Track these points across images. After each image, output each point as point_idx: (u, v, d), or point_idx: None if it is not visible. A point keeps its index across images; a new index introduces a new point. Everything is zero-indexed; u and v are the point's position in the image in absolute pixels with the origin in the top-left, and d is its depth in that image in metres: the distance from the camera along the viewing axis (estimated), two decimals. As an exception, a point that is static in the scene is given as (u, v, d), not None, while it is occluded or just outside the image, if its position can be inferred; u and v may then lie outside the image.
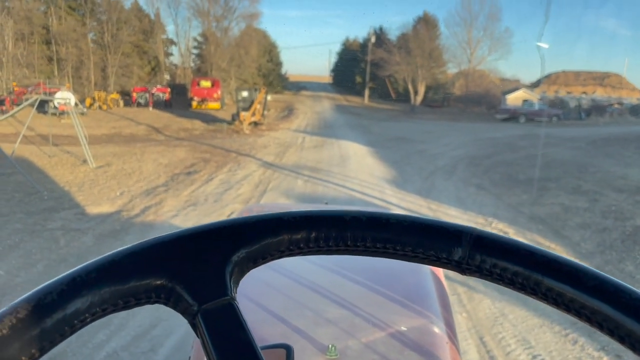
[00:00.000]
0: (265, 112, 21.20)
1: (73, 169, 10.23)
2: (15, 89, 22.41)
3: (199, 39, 33.80)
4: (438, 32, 38.71)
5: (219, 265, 0.33)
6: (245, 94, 20.71)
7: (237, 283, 0.34)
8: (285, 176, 10.29)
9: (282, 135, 17.77)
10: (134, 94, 26.77)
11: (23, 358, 0.27)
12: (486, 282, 0.35)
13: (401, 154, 13.97)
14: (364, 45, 44.54)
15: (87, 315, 0.30)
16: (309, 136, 17.53)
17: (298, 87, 50.19)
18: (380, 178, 10.41)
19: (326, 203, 2.98)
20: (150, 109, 25.40)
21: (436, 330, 1.26)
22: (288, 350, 0.77)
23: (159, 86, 28.44)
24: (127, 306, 0.32)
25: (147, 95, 26.54)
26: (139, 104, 26.29)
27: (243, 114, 18.71)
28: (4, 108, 19.25)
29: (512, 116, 27.61)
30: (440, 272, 1.64)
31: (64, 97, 15.03)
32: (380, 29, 42.22)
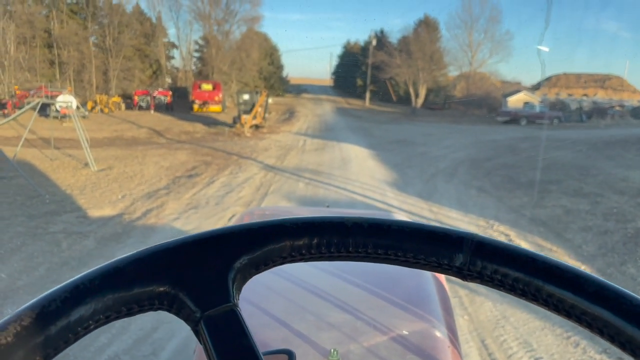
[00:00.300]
0: (267, 115, 21.24)
1: (75, 172, 10.25)
2: (17, 92, 22.48)
3: (200, 42, 33.93)
4: (439, 34, 38.77)
5: (222, 271, 0.33)
6: (246, 97, 20.75)
7: (239, 290, 0.34)
8: (286, 179, 10.30)
9: (284, 138, 17.78)
10: (136, 97, 26.84)
11: None
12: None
13: (402, 156, 13.97)
14: (365, 48, 44.60)
15: (90, 322, 0.30)
16: (310, 139, 17.54)
17: (299, 90, 50.26)
18: (381, 181, 10.41)
19: (327, 206, 2.98)
20: (152, 112, 25.45)
21: (438, 334, 1.26)
22: (290, 355, 0.78)
23: (160, 89, 28.51)
24: (130, 313, 0.32)
25: (149, 98, 26.61)
26: (140, 107, 26.35)
27: (244, 116, 18.74)
28: (6, 111, 19.32)
29: (513, 119, 27.60)
30: (441, 275, 1.64)
31: (66, 100, 15.05)
32: (381, 32, 42.30)
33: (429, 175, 11.23)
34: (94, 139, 14.24)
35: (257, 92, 21.53)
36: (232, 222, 7.06)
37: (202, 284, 0.32)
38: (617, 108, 31.42)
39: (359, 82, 45.23)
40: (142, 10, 32.31)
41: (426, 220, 7.37)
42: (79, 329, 0.30)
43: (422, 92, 36.40)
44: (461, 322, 4.20)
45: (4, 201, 7.69)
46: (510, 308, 4.46)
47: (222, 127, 20.18)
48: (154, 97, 26.73)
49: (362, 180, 10.30)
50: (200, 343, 0.31)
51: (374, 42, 39.73)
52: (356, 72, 46.20)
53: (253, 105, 19.64)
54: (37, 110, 11.04)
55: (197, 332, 0.32)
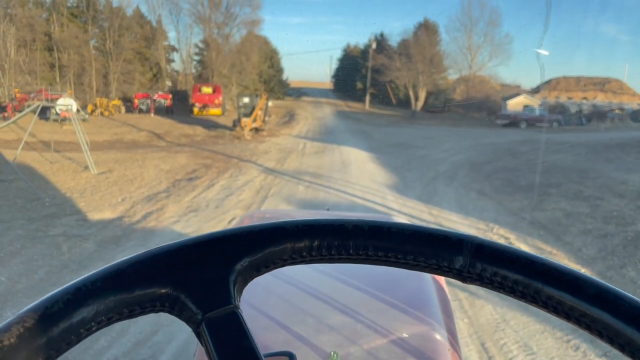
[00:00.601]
0: (267, 118, 21.26)
1: (75, 175, 10.25)
2: (17, 95, 22.51)
3: (201, 45, 34.00)
4: (438, 38, 38.86)
5: (223, 274, 0.33)
6: (246, 100, 20.77)
7: (240, 292, 0.34)
8: (286, 182, 10.30)
9: (283, 141, 17.79)
10: (136, 101, 26.87)
11: None
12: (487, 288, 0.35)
13: (402, 159, 13.97)
14: (364, 52, 44.70)
15: (93, 324, 0.30)
16: (310, 142, 17.55)
17: (299, 93, 50.33)
18: (381, 184, 10.41)
19: (327, 209, 2.98)
20: (152, 115, 25.47)
21: (438, 336, 1.26)
22: (291, 357, 0.78)
23: (160, 92, 28.54)
24: (132, 315, 0.32)
25: (149, 101, 26.64)
26: (140, 111, 26.38)
27: (244, 120, 18.76)
28: (6, 114, 19.33)
29: (513, 122, 27.63)
30: (441, 278, 1.64)
31: (66, 103, 15.09)
32: (381, 35, 42.39)
33: (428, 178, 11.23)
34: (94, 142, 14.25)
35: (257, 95, 21.56)
36: (232, 225, 7.06)
37: (204, 286, 0.33)
38: (617, 111, 31.46)
39: (359, 85, 45.31)
40: (143, 13, 32.42)
41: (426, 223, 7.37)
42: (81, 330, 0.30)
43: (422, 95, 36.45)
44: (461, 325, 4.20)
45: (4, 204, 7.69)
46: (510, 311, 4.46)
47: (222, 130, 20.20)
48: (154, 100, 26.76)
49: (362, 184, 10.30)
50: (202, 345, 0.31)
51: (374, 45, 39.81)
52: (356, 75, 46.30)
53: (253, 109, 19.66)
54: (37, 113, 11.06)
55: (198, 334, 0.32)
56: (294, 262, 0.36)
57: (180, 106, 28.36)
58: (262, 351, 0.31)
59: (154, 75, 32.71)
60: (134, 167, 11.42)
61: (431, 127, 26.12)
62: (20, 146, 10.04)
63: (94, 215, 7.40)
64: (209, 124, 22.12)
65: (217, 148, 15.36)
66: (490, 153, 15.50)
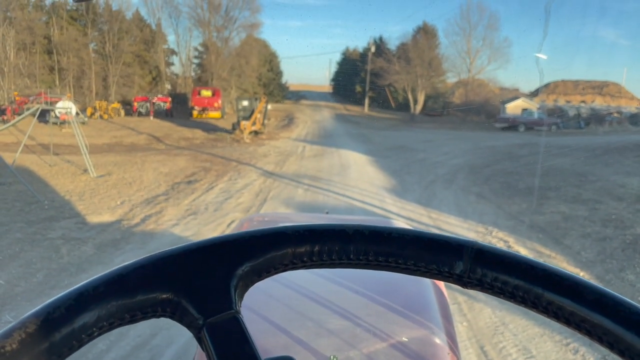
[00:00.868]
0: (266, 121, 21.28)
1: (74, 178, 10.24)
2: (17, 98, 22.51)
3: (200, 48, 34.04)
4: (437, 41, 38.97)
5: (224, 279, 0.33)
6: (245, 103, 20.80)
7: (241, 297, 0.34)
8: (285, 185, 10.30)
9: (283, 144, 17.80)
10: (135, 104, 26.88)
11: None
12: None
13: (401, 162, 13.98)
14: (363, 55, 44.80)
15: (94, 329, 0.30)
16: (309, 145, 17.56)
17: (298, 96, 50.39)
18: (380, 187, 10.41)
19: (327, 212, 2.98)
20: (151, 118, 25.48)
21: (437, 340, 1.26)
22: None
23: (160, 95, 28.57)
24: (133, 320, 0.32)
25: (148, 104, 26.66)
26: (140, 114, 26.39)
27: (243, 123, 18.77)
28: (5, 117, 19.33)
29: (512, 125, 27.68)
30: (441, 282, 1.64)
31: (65, 106, 15.10)
32: (380, 38, 42.50)
33: (427, 181, 11.24)
34: (93, 145, 14.25)
35: (256, 99, 21.60)
36: (231, 229, 7.03)
37: (205, 291, 0.33)
38: (615, 115, 31.54)
39: (358, 88, 45.39)
40: (142, 16, 32.47)
41: (425, 226, 7.38)
42: (83, 336, 0.30)
43: (421, 99, 36.53)
44: (460, 329, 4.19)
45: (2, 207, 7.68)
46: (509, 315, 4.46)
47: (221, 133, 20.21)
48: (154, 104, 26.78)
49: (361, 187, 10.31)
50: (203, 350, 0.31)
51: (373, 49, 39.90)
52: (355, 78, 46.38)
53: (252, 112, 19.68)
54: (36, 116, 11.06)
55: (199, 339, 0.32)
56: (295, 267, 0.36)
57: (179, 109, 28.37)
58: (263, 356, 0.31)
59: (154, 79, 32.74)
60: (133, 170, 11.41)
61: (430, 131, 26.16)
62: (20, 149, 10.04)
63: (93, 218, 7.39)
64: (208, 127, 22.13)
65: (216, 151, 15.36)
66: (489, 156, 15.52)
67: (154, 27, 32.47)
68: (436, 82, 38.47)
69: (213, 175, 11.14)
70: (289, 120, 27.56)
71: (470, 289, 0.35)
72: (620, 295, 0.31)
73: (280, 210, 8.22)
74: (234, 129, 19.47)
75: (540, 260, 0.35)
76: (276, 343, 1.17)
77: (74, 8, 29.37)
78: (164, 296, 0.32)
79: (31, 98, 21.31)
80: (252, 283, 0.35)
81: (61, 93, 23.46)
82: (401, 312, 1.36)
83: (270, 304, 1.32)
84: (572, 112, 31.54)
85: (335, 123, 28.38)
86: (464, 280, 0.35)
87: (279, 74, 43.80)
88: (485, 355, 3.85)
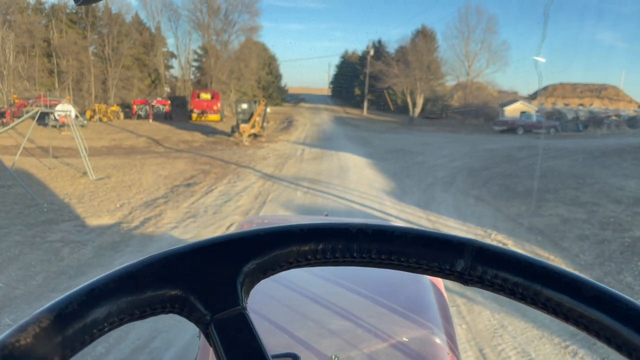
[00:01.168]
0: (265, 124, 21.30)
1: (73, 181, 10.24)
2: (16, 101, 22.52)
3: (199, 51, 34.09)
4: (436, 45, 39.09)
5: (231, 276, 0.34)
6: (244, 106, 20.83)
7: (247, 293, 0.35)
8: (284, 188, 10.31)
9: (282, 147, 17.82)
10: (134, 107, 26.90)
11: None
12: (485, 293, 0.37)
13: (400, 165, 14.01)
14: (362, 58, 44.90)
15: (105, 324, 0.31)
16: (308, 148, 17.58)
17: (297, 99, 50.47)
18: (379, 190, 10.42)
19: (326, 214, 2.99)
20: (151, 121, 25.49)
21: (437, 340, 1.27)
22: (296, 359, 0.79)
23: (159, 98, 28.59)
24: (143, 316, 0.33)
25: (147, 107, 26.67)
26: (139, 116, 26.40)
27: (243, 125, 18.80)
28: (4, 120, 19.32)
29: (510, 128, 27.75)
30: (440, 283, 1.66)
31: (65, 109, 15.09)
32: (379, 42, 42.63)
33: (426, 184, 11.26)
34: (93, 148, 14.25)
35: (255, 102, 21.62)
36: (231, 231, 7.06)
37: (212, 288, 0.33)
38: (613, 118, 31.63)
39: (357, 91, 45.48)
40: (141, 20, 32.53)
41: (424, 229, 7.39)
42: (94, 330, 0.31)
43: (420, 102, 36.60)
44: (459, 331, 4.20)
45: (2, 210, 7.68)
46: (508, 317, 4.46)
47: (220, 136, 20.23)
48: (153, 106, 26.80)
49: (360, 190, 10.32)
50: (210, 345, 0.32)
51: (372, 52, 40.02)
52: (354, 81, 46.47)
53: (251, 115, 19.72)
54: (35, 119, 11.06)
55: (207, 335, 0.33)
56: (299, 265, 0.37)
57: (178, 112, 28.38)
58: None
59: (153, 82, 32.77)
60: (133, 172, 11.41)
61: (429, 134, 26.20)
62: (19, 152, 10.04)
63: (92, 221, 7.39)
64: (208, 130, 22.15)
65: (215, 154, 15.37)
66: (488, 159, 15.55)
67: (153, 30, 32.54)
68: (435, 85, 38.56)
69: (212, 178, 11.15)
70: (288, 123, 27.59)
71: (471, 286, 0.36)
72: (617, 292, 0.32)
73: (280, 213, 8.23)
74: (233, 131, 19.49)
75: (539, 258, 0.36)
76: (279, 343, 1.18)
77: (74, 11, 29.43)
78: (173, 293, 0.33)
79: (30, 101, 21.32)
80: (258, 280, 0.36)
81: (60, 96, 23.48)
82: (401, 312, 1.38)
83: (272, 304, 1.34)
84: (570, 115, 31.63)
85: (334, 126, 28.42)
86: (465, 278, 0.36)
87: (278, 77, 43.87)
88: (484, 358, 3.85)
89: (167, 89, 33.13)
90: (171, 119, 26.58)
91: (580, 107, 36.81)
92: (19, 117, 15.61)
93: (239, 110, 20.67)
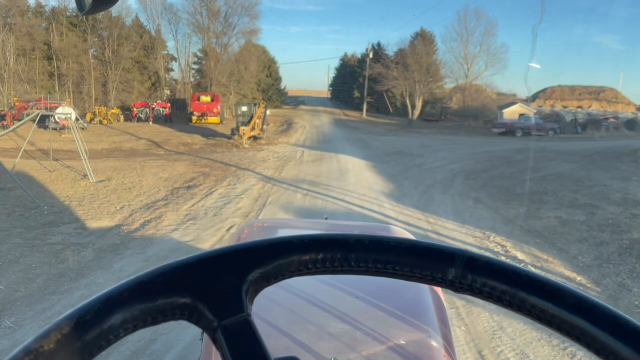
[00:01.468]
0: (265, 127, 21.34)
1: (73, 183, 10.26)
2: (17, 104, 22.55)
3: (199, 54, 34.16)
4: (435, 47, 39.20)
5: (236, 284, 0.37)
6: (244, 108, 20.86)
7: (252, 301, 0.37)
8: (284, 190, 10.33)
9: (281, 149, 17.85)
10: (135, 109, 26.94)
11: None
12: None
13: (399, 167, 14.04)
14: (362, 61, 44.98)
15: (120, 330, 0.33)
16: (307, 150, 17.61)
17: (297, 101, 50.53)
18: (378, 192, 10.45)
19: (326, 218, 3.02)
20: (151, 123, 25.53)
21: (434, 343, 1.30)
22: None
23: (159, 101, 28.63)
24: (155, 322, 0.35)
25: (148, 110, 26.71)
26: (139, 119, 26.43)
27: (242, 128, 18.83)
28: (5, 123, 19.35)
29: (509, 130, 27.81)
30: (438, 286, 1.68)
31: (65, 112, 15.13)
32: (378, 44, 42.74)
33: (425, 186, 11.29)
34: (93, 151, 14.28)
35: (255, 104, 21.66)
36: (231, 233, 7.03)
37: (219, 296, 0.36)
38: (612, 120, 31.69)
39: (356, 94, 45.53)
40: (142, 23, 32.61)
41: (423, 231, 7.41)
42: (110, 336, 0.33)
43: (419, 104, 36.66)
44: (458, 333, 4.22)
45: (2, 212, 7.69)
46: (507, 319, 4.49)
47: (220, 138, 20.26)
48: (153, 109, 26.84)
49: (359, 192, 10.35)
50: (218, 349, 0.34)
51: (371, 55, 40.10)
52: (353, 84, 46.54)
53: (251, 117, 19.75)
54: (36, 121, 11.09)
55: (214, 340, 0.35)
56: (300, 274, 0.39)
57: (178, 115, 28.42)
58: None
59: (153, 84, 32.82)
60: (133, 175, 11.43)
61: (428, 136, 26.24)
62: (19, 154, 10.05)
63: (93, 224, 7.41)
64: (208, 133, 22.18)
65: (215, 156, 15.40)
66: (486, 161, 15.59)
67: (153, 33, 32.61)
68: (434, 88, 38.62)
69: (212, 181, 11.17)
70: (287, 126, 27.63)
71: (462, 293, 0.39)
72: (596, 299, 0.35)
73: (279, 216, 8.25)
74: (233, 134, 19.53)
75: (525, 266, 0.39)
76: (279, 346, 1.20)
77: (74, 14, 29.48)
78: (182, 301, 0.35)
79: (31, 104, 21.35)
80: (262, 288, 0.38)
81: (60, 99, 23.51)
82: (399, 315, 1.41)
83: (273, 308, 1.36)
84: (568, 117, 31.68)
85: (333, 128, 28.45)
86: (455, 286, 0.38)
87: (277, 79, 43.94)
88: (483, 360, 3.88)
89: (167, 92, 33.17)
90: (171, 121, 26.61)
91: (579, 110, 36.88)
92: (19, 120, 15.64)
93: (239, 112, 20.71)
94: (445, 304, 1.68)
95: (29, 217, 7.57)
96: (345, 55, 54.38)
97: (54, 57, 28.37)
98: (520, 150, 18.75)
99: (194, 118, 25.95)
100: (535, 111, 33.44)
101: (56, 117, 15.97)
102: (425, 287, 1.60)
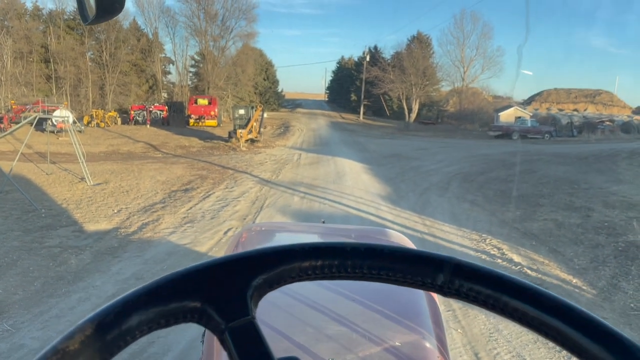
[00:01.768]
0: (262, 130, 21.37)
1: (71, 186, 10.26)
2: (14, 107, 22.51)
3: (196, 57, 34.18)
4: (431, 51, 39.37)
5: (242, 289, 0.40)
6: (242, 111, 20.89)
7: (256, 305, 0.40)
8: (281, 193, 10.36)
9: (279, 152, 17.88)
10: (132, 112, 26.93)
11: None
12: None
13: (396, 170, 14.09)
14: (359, 64, 45.10)
15: (137, 332, 0.36)
16: (305, 153, 17.64)
17: (294, 104, 50.63)
18: (375, 195, 10.49)
19: (323, 221, 3.05)
20: (148, 126, 25.52)
21: (428, 345, 1.34)
22: None
23: (156, 104, 28.65)
24: (168, 324, 0.38)
25: (145, 113, 26.71)
26: (136, 122, 26.42)
27: (240, 131, 18.86)
28: (2, 126, 19.30)
29: (505, 133, 27.94)
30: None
31: (62, 115, 15.12)
32: (375, 48, 42.90)
33: (422, 189, 11.33)
34: (90, 154, 14.26)
35: (252, 107, 21.69)
36: (228, 236, 7.04)
37: (226, 300, 0.39)
38: (607, 123, 31.87)
39: (353, 97, 45.63)
40: (139, 26, 32.62)
41: (420, 234, 7.45)
42: (128, 337, 0.36)
43: (416, 107, 36.78)
44: (455, 336, 4.25)
45: (0, 215, 7.69)
46: (503, 321, 4.52)
47: (217, 141, 20.27)
48: (150, 112, 26.84)
49: (356, 195, 10.38)
50: (225, 350, 0.37)
51: (368, 58, 40.23)
52: (350, 87, 46.65)
53: (249, 120, 19.78)
54: (33, 124, 11.08)
55: (222, 341, 0.38)
56: (301, 279, 0.43)
57: (176, 118, 28.42)
58: None
59: (150, 87, 32.81)
60: (130, 178, 11.44)
61: (424, 139, 26.33)
62: (17, 157, 10.04)
63: (90, 227, 7.41)
64: (205, 136, 22.19)
65: (212, 159, 15.41)
66: (482, 164, 15.66)
67: (150, 36, 32.61)
68: (430, 91, 38.77)
69: (209, 184, 11.19)
70: (285, 129, 27.66)
71: (450, 297, 0.42)
72: (571, 302, 0.38)
73: (276, 219, 8.27)
74: (230, 137, 19.55)
75: (521, 269, 0.42)
76: (278, 348, 1.23)
77: (71, 17, 29.49)
78: (193, 305, 0.38)
79: (28, 107, 21.34)
80: (265, 293, 0.42)
81: (58, 101, 23.46)
82: (395, 318, 1.44)
83: (274, 312, 1.39)
84: (564, 120, 31.85)
85: (330, 131, 28.51)
86: (444, 290, 0.41)
87: (275, 82, 44.01)
88: (479, 362, 3.91)
89: (165, 95, 33.17)
90: (168, 124, 26.61)
91: (575, 113, 37.08)
92: (16, 123, 15.61)
93: (236, 115, 20.74)
94: (442, 307, 1.71)
95: (27, 220, 7.57)
96: (343, 58, 54.59)
97: (51, 60, 28.34)
98: (516, 153, 18.85)
99: (192, 121, 25.94)
100: (531, 114, 33.60)
101: (53, 120, 15.95)
102: (420, 292, 1.63)
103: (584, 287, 5.63)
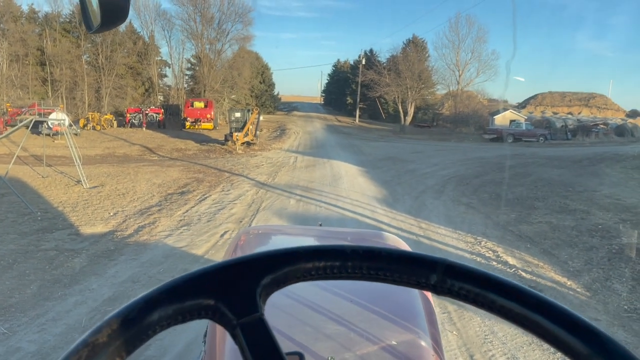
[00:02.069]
0: (258, 133, 21.40)
1: (67, 189, 10.23)
2: (9, 110, 22.41)
3: (193, 60, 34.21)
4: (427, 54, 39.58)
5: (252, 288, 0.43)
6: (238, 114, 20.92)
7: (265, 302, 0.44)
8: (277, 196, 10.38)
9: (275, 155, 17.91)
10: (128, 115, 26.91)
11: (117, 359, 0.37)
12: None
13: (392, 173, 14.15)
14: (354, 67, 45.27)
15: (157, 326, 0.40)
16: (301, 156, 17.68)
17: (290, 107, 50.72)
18: (371, 197, 10.53)
19: (320, 224, 3.08)
20: (144, 129, 25.49)
21: (423, 343, 1.38)
22: (301, 357, 0.90)
23: (152, 107, 28.62)
24: (184, 320, 0.41)
25: (141, 115, 26.69)
26: (132, 125, 26.39)
27: (236, 134, 18.88)
28: (-3, 129, 19.23)
29: (500, 136, 28.10)
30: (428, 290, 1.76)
31: (58, 118, 15.10)
32: (371, 51, 43.08)
33: (418, 192, 11.39)
34: (86, 156, 14.24)
35: (248, 110, 21.73)
36: (225, 239, 7.05)
37: (237, 298, 0.42)
38: (602, 126, 32.12)
39: (349, 100, 45.77)
40: (135, 29, 32.60)
41: (415, 237, 7.49)
42: (149, 331, 0.39)
43: (411, 110, 36.94)
44: (450, 338, 4.29)
45: (-5, 219, 7.66)
46: (498, 323, 4.56)
47: (214, 144, 20.28)
48: (146, 115, 26.82)
49: (352, 197, 10.42)
50: (236, 344, 0.41)
51: (364, 61, 40.37)
52: (346, 90, 46.79)
53: (245, 123, 19.81)
54: (29, 127, 11.06)
55: (234, 335, 0.41)
56: (305, 279, 0.47)
57: (172, 120, 28.41)
58: None
59: (146, 90, 32.78)
60: (126, 181, 11.42)
61: (420, 142, 26.45)
62: (12, 160, 10.02)
63: (86, 230, 7.40)
64: (201, 138, 22.18)
65: (209, 162, 15.42)
66: (478, 167, 15.75)
67: (147, 39, 32.61)
68: (426, 94, 38.95)
69: (206, 186, 11.19)
70: (281, 131, 27.70)
71: (442, 295, 0.46)
72: (553, 300, 0.41)
73: (273, 222, 8.29)
74: (226, 140, 19.56)
75: (516, 272, 0.46)
76: (280, 345, 1.27)
77: (67, 20, 29.45)
78: (207, 302, 0.42)
79: (24, 109, 21.26)
80: (273, 291, 0.45)
81: (54, 104, 23.41)
82: (391, 318, 1.48)
83: (274, 312, 1.43)
84: (559, 124, 32.08)
85: (326, 134, 28.58)
86: (437, 289, 0.45)
87: (271, 85, 44.08)
88: (474, 363, 3.94)
89: (161, 98, 33.14)
90: (164, 127, 26.59)
91: (569, 116, 37.37)
92: (12, 126, 15.57)
93: (232, 118, 20.76)
94: (437, 309, 1.75)
95: (22, 223, 7.55)
96: (338, 61, 54.78)
97: (47, 62, 28.27)
98: (511, 156, 18.98)
99: (188, 124, 25.94)
100: (526, 117, 33.84)
101: (49, 123, 15.92)
102: (415, 292, 1.67)
103: (578, 289, 5.68)
